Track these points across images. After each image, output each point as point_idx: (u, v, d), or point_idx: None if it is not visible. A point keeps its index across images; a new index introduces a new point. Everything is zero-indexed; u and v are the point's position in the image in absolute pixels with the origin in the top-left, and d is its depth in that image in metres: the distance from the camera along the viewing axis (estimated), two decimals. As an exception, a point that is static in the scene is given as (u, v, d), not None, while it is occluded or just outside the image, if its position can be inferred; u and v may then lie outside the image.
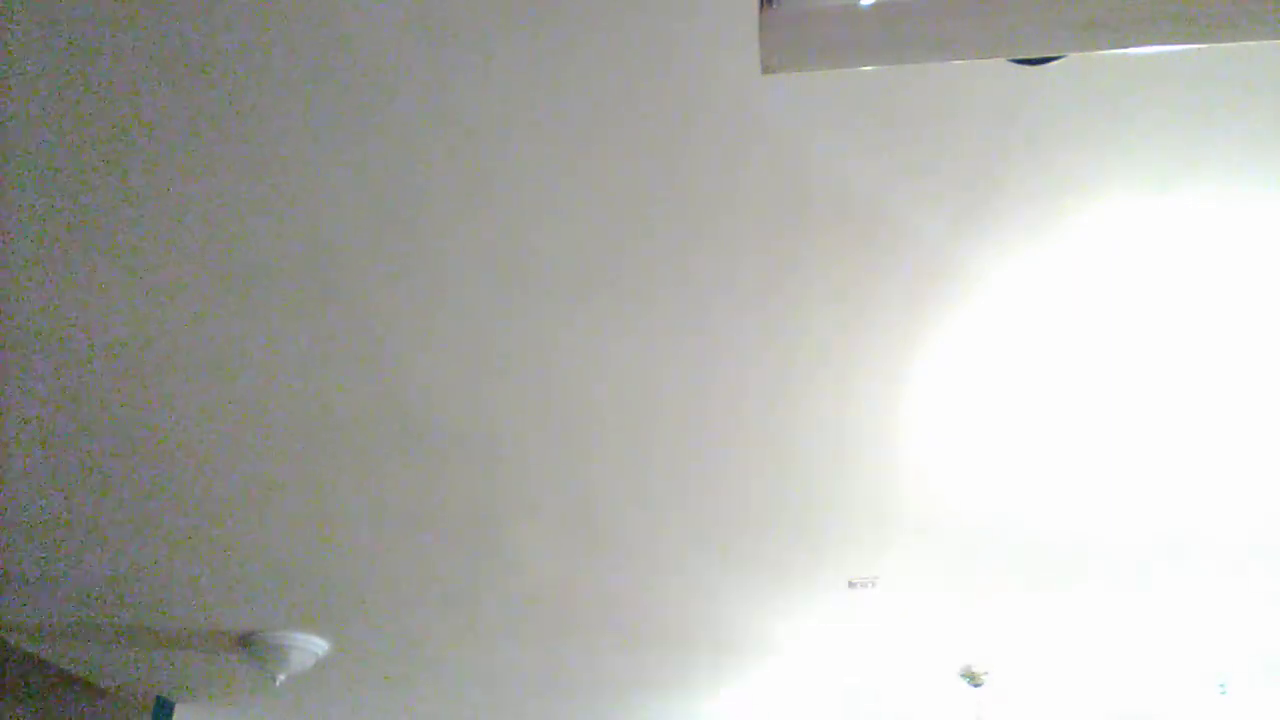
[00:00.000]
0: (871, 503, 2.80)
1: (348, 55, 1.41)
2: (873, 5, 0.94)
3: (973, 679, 4.45)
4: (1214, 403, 2.34)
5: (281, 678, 3.88)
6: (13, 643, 3.86)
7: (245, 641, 3.85)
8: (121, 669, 4.24)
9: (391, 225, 1.74)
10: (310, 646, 3.88)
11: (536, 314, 1.98)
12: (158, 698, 4.69)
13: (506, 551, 3.10)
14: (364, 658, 4.16)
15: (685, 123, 1.53)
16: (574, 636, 3.94)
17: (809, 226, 1.76)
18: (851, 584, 3.42)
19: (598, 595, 3.49)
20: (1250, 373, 2.22)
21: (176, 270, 1.83)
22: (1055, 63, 1.42)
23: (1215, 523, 2.98)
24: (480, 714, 5.20)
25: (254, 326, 2.00)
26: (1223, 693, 4.74)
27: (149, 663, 4.17)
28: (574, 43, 1.40)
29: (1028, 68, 1.44)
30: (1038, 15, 0.93)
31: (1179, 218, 1.76)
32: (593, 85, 1.47)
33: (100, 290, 1.88)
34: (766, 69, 0.99)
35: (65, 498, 2.68)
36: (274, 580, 3.30)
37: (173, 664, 4.19)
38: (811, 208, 1.71)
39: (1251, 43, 1.18)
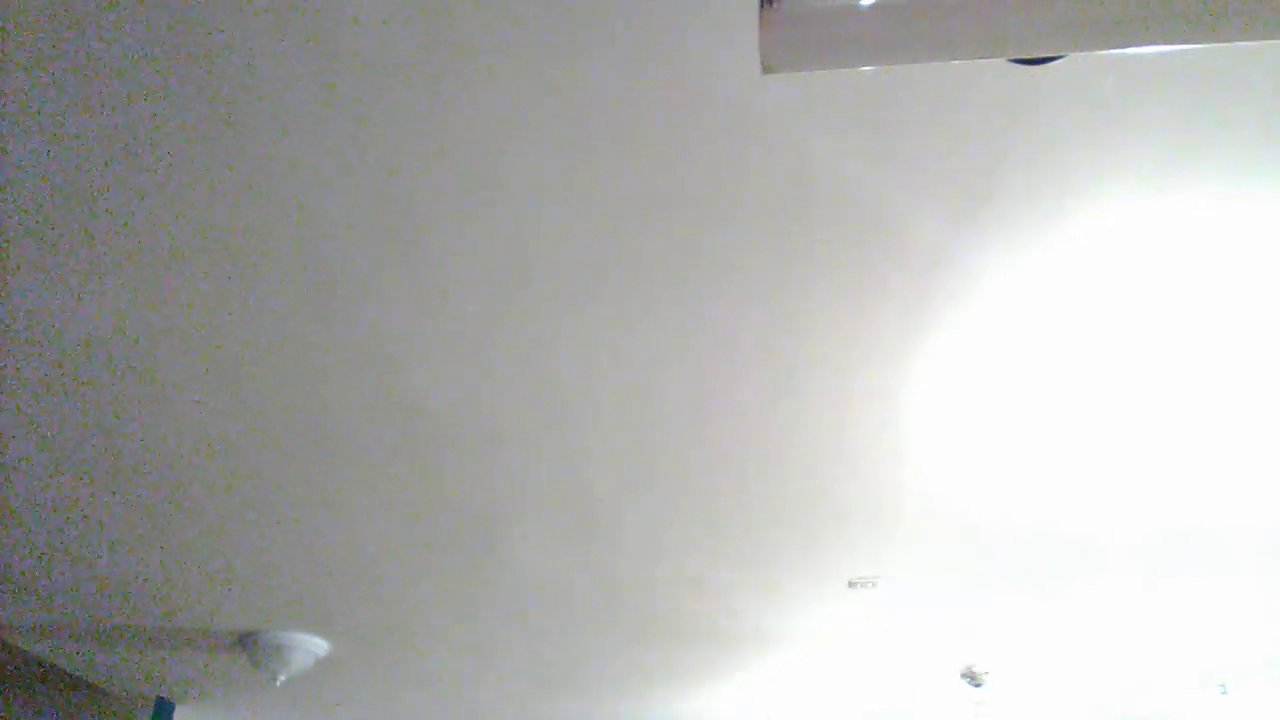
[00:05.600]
0: (871, 502, 2.80)
1: (346, 57, 1.41)
2: (873, 5, 0.94)
3: (973, 679, 4.46)
4: (1213, 402, 2.34)
5: (281, 678, 3.88)
6: (13, 643, 3.85)
7: (245, 641, 3.85)
8: (121, 669, 4.24)
9: (392, 225, 1.74)
10: (310, 646, 3.88)
11: (537, 314, 1.98)
12: (158, 698, 4.69)
13: (507, 550, 3.10)
14: (364, 658, 4.16)
15: (685, 123, 1.53)
16: (574, 636, 3.94)
17: (809, 226, 1.76)
18: (851, 584, 3.42)
19: (597, 595, 3.49)
20: (1249, 372, 2.22)
21: (176, 271, 1.83)
22: (1055, 63, 1.42)
23: (1215, 523, 2.98)
24: (480, 713, 5.20)
25: (254, 327, 2.00)
26: (1223, 693, 4.75)
27: (149, 663, 4.17)
28: (573, 43, 1.40)
29: (1028, 68, 1.44)
30: (1038, 15, 0.93)
31: (1178, 217, 1.76)
32: (592, 85, 1.47)
33: (100, 291, 1.88)
34: (766, 69, 0.99)
35: (65, 498, 2.68)
36: (274, 580, 3.30)
37: (173, 664, 4.19)
38: (811, 207, 1.71)
39: (1251, 43, 1.18)
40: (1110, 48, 0.95)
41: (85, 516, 2.79)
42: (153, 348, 2.06)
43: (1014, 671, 4.54)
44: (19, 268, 1.82)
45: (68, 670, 4.28)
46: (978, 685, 4.47)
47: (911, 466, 2.59)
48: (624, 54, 1.41)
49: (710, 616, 3.73)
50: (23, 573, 3.18)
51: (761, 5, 0.94)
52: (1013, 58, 1.00)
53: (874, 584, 3.41)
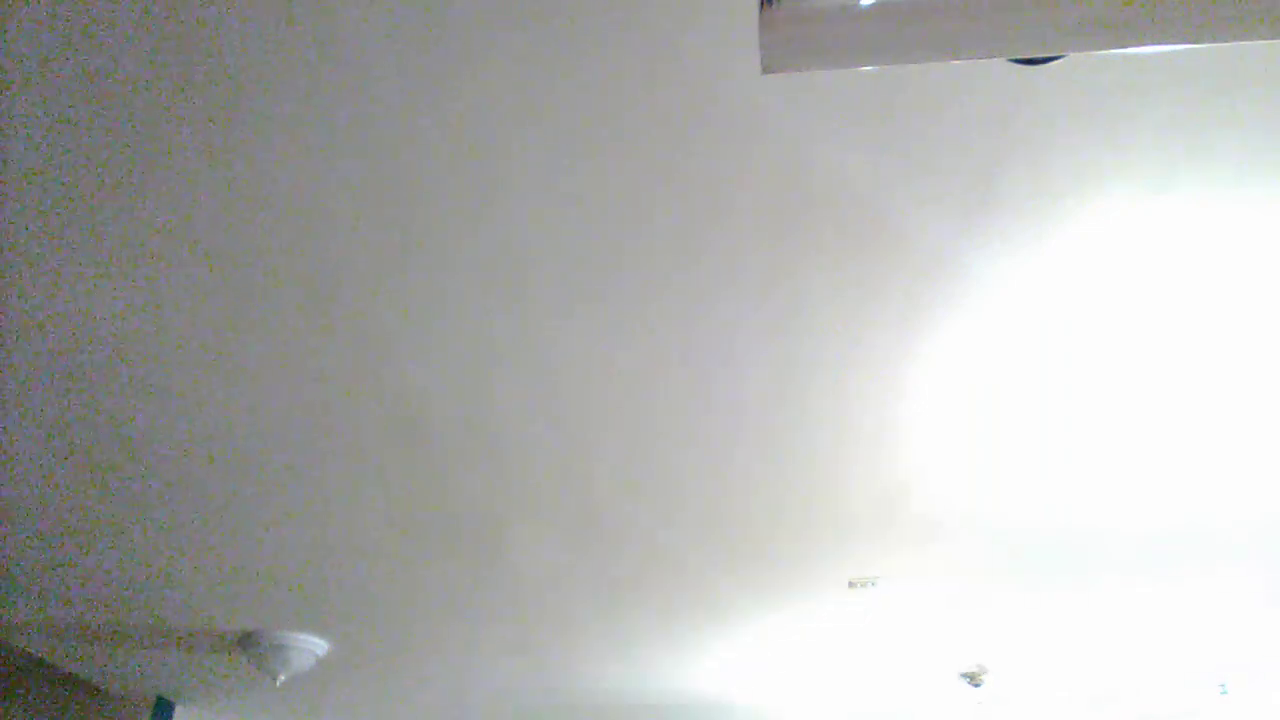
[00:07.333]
0: (871, 503, 2.80)
1: (346, 57, 1.41)
2: (873, 5, 0.94)
3: (973, 679, 4.46)
4: (1214, 402, 2.34)
5: (281, 678, 3.88)
6: (13, 643, 3.86)
7: (245, 641, 3.85)
8: (121, 669, 4.24)
9: (393, 226, 1.74)
10: (310, 646, 3.88)
11: (537, 314, 1.98)
12: (158, 698, 4.69)
13: (507, 552, 3.10)
14: (364, 658, 4.16)
15: (685, 123, 1.53)
16: (574, 637, 3.94)
17: (809, 226, 1.76)
18: (851, 584, 3.42)
19: (596, 595, 3.49)
20: (1248, 373, 2.22)
21: (177, 271, 1.83)
22: (1055, 63, 1.42)
23: (1215, 523, 2.98)
24: (480, 714, 5.20)
25: (254, 327, 2.00)
26: (1223, 693, 4.75)
27: (149, 663, 4.17)
28: (575, 44, 1.40)
29: (1028, 68, 1.44)
30: (1038, 15, 0.93)
31: (1178, 217, 1.76)
32: (593, 86, 1.47)
33: (100, 290, 1.88)
34: (766, 69, 0.99)
35: (65, 498, 2.68)
36: (274, 580, 3.30)
37: (173, 664, 4.20)
38: (811, 207, 1.71)
39: (1251, 43, 1.18)
40: (1110, 48, 0.96)
41: (85, 516, 2.79)
42: (153, 348, 2.06)
43: (1014, 671, 4.54)
44: (18, 266, 1.82)
45: (68, 670, 4.28)
46: (978, 685, 4.47)
47: (911, 466, 2.60)
48: (624, 54, 1.41)
49: (710, 617, 3.74)
50: (23, 573, 3.18)
51: (761, 5, 0.94)
52: (1013, 58, 1.00)
53: (874, 584, 3.41)
